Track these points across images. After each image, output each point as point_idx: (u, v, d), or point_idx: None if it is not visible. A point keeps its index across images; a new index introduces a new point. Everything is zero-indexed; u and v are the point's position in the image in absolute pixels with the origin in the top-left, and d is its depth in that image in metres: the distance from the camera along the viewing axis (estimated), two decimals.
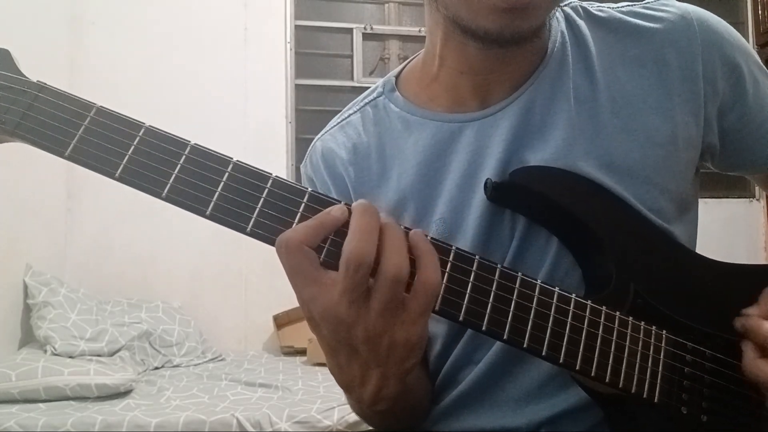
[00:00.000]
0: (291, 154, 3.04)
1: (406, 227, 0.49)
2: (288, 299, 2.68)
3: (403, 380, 0.51)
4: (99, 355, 2.17)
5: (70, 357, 2.11)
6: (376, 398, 0.52)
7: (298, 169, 2.97)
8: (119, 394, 2.02)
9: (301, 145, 3.04)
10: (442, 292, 0.49)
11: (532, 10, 0.54)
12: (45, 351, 2.14)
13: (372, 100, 0.71)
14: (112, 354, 2.24)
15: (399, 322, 0.47)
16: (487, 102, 0.64)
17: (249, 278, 2.91)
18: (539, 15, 0.56)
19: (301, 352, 2.68)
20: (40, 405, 1.91)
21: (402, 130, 0.67)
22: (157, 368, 2.42)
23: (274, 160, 2.95)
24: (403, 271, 0.46)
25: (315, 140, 0.73)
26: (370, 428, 0.68)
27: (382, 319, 0.46)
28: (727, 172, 0.72)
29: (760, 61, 0.67)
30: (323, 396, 2.00)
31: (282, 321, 2.81)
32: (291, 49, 3.08)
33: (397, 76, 0.72)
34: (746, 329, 0.57)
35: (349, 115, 0.72)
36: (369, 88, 0.74)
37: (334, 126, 0.72)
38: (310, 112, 3.11)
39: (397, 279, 0.46)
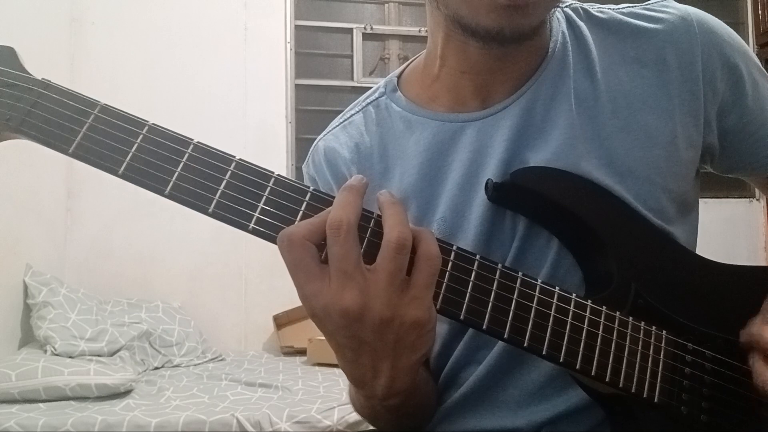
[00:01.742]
0: (291, 154, 3.04)
1: None
2: (288, 299, 2.69)
3: (414, 372, 0.51)
4: (99, 355, 2.17)
5: (70, 357, 2.11)
6: (389, 392, 0.51)
7: (298, 169, 2.97)
8: (119, 394, 2.02)
9: (301, 145, 3.05)
10: (443, 291, 0.49)
11: (532, 7, 0.54)
12: (45, 351, 2.14)
13: (374, 100, 0.71)
14: (112, 354, 2.24)
15: (406, 301, 0.46)
16: (489, 102, 0.64)
17: (249, 278, 2.91)
18: (539, 13, 0.56)
19: (301, 352, 2.68)
20: (40, 405, 1.91)
21: (404, 130, 0.67)
22: (157, 368, 2.41)
23: (274, 160, 2.95)
24: (407, 239, 0.46)
25: (317, 140, 0.73)
26: (371, 428, 0.68)
27: (388, 299, 0.46)
28: (725, 175, 0.72)
29: (759, 63, 0.67)
30: (323, 396, 2.01)
31: (282, 321, 2.81)
32: (291, 49, 3.08)
33: (399, 76, 0.72)
34: (751, 340, 0.57)
35: (351, 115, 0.72)
36: (369, 88, 0.74)
37: (337, 126, 0.73)
38: (310, 112, 3.11)
39: (401, 245, 0.46)
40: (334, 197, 0.49)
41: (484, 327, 0.50)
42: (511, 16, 0.54)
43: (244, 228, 0.47)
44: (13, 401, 1.91)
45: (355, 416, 1.83)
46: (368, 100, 0.72)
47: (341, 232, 0.45)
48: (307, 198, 0.48)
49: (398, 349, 0.48)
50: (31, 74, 0.49)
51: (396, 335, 0.47)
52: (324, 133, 0.74)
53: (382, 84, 0.72)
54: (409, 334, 0.48)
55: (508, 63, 0.62)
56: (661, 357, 0.55)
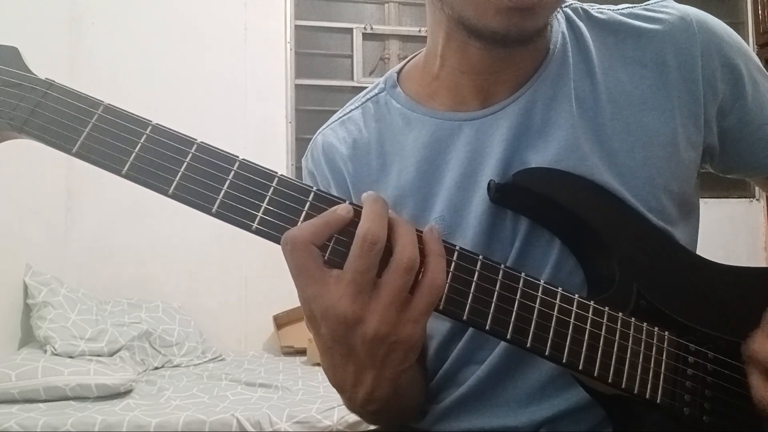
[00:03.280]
0: (291, 154, 3.04)
1: (418, 230, 0.49)
2: (288, 299, 2.68)
3: (395, 383, 0.52)
4: (99, 355, 2.17)
5: (70, 357, 2.11)
6: (368, 399, 0.52)
7: (298, 169, 2.97)
8: (119, 394, 2.02)
9: (301, 145, 3.04)
10: (446, 292, 0.49)
11: (538, 9, 0.54)
12: (45, 351, 2.14)
13: (374, 96, 0.71)
14: (112, 354, 2.23)
15: (402, 321, 0.47)
16: (489, 102, 0.64)
17: (249, 278, 2.91)
18: (545, 14, 0.56)
19: (301, 352, 2.68)
20: (40, 405, 1.91)
21: (403, 127, 0.67)
22: (157, 368, 2.41)
23: (274, 160, 2.95)
24: (416, 261, 0.47)
25: (316, 135, 0.73)
26: (371, 428, 0.68)
27: (386, 315, 0.46)
28: (726, 175, 0.72)
29: (759, 63, 0.67)
30: (323, 396, 2.01)
31: (282, 321, 2.81)
32: (291, 49, 3.08)
33: (399, 72, 0.72)
34: (751, 356, 0.57)
35: (350, 111, 0.72)
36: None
37: (335, 121, 0.73)
38: (310, 112, 3.11)
39: (410, 267, 0.46)
40: (337, 197, 0.49)
41: (487, 328, 0.50)
42: (518, 17, 0.54)
43: (247, 228, 0.47)
44: (13, 401, 1.91)
45: (355, 416, 1.83)
46: (368, 96, 0.72)
47: (375, 249, 0.45)
48: (310, 198, 0.48)
49: (384, 363, 0.49)
50: (35, 74, 0.49)
51: (386, 351, 0.48)
52: (323, 127, 0.74)
53: (382, 80, 0.72)
54: (398, 350, 0.48)
55: (509, 64, 0.62)
56: (664, 358, 0.55)
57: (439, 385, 0.67)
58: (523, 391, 0.61)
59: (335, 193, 0.67)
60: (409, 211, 0.64)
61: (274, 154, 2.97)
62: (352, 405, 0.58)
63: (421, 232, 0.49)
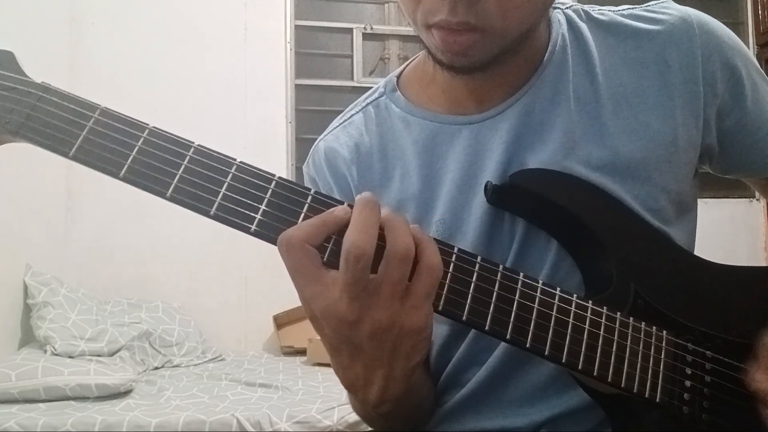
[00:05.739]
0: (291, 154, 3.04)
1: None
2: (288, 299, 2.68)
3: (407, 379, 0.51)
4: (99, 355, 2.17)
5: (70, 357, 2.11)
6: (381, 399, 0.51)
7: (298, 169, 2.97)
8: (119, 394, 2.02)
9: (301, 145, 3.05)
10: (445, 292, 0.49)
11: (471, 52, 0.54)
12: (45, 351, 2.14)
13: (374, 100, 0.71)
14: (112, 354, 2.24)
15: (405, 309, 0.46)
16: (485, 104, 0.64)
17: (249, 278, 2.91)
18: (484, 52, 0.55)
19: (301, 352, 2.68)
20: (40, 405, 1.91)
21: (403, 130, 0.67)
22: (157, 368, 2.42)
23: (274, 160, 2.95)
24: (411, 249, 0.46)
25: (318, 141, 0.73)
26: (371, 429, 0.68)
27: (389, 308, 0.46)
28: (724, 175, 0.72)
29: (758, 66, 0.67)
30: (323, 396, 2.01)
31: (282, 321, 2.81)
32: (291, 49, 3.08)
33: (399, 76, 0.72)
34: (761, 395, 0.56)
35: (351, 116, 0.72)
36: (369, 88, 0.74)
37: (337, 126, 0.73)
38: (310, 112, 3.11)
39: (406, 257, 0.46)
40: (335, 199, 0.49)
41: (487, 328, 0.50)
42: (454, 57, 0.55)
43: (245, 230, 0.47)
44: (13, 401, 1.91)
45: (355, 416, 1.83)
46: (368, 100, 0.72)
47: (361, 262, 0.44)
48: (308, 200, 0.48)
49: (393, 358, 0.48)
50: (30, 78, 0.49)
51: (393, 344, 0.47)
52: (324, 133, 0.74)
53: (382, 84, 0.72)
54: (405, 343, 0.48)
55: (502, 67, 0.62)
56: (662, 357, 0.56)
57: (442, 387, 0.67)
58: (523, 392, 0.61)
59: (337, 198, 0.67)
60: (412, 215, 0.64)
61: (274, 155, 2.97)
62: (365, 408, 0.56)
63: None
